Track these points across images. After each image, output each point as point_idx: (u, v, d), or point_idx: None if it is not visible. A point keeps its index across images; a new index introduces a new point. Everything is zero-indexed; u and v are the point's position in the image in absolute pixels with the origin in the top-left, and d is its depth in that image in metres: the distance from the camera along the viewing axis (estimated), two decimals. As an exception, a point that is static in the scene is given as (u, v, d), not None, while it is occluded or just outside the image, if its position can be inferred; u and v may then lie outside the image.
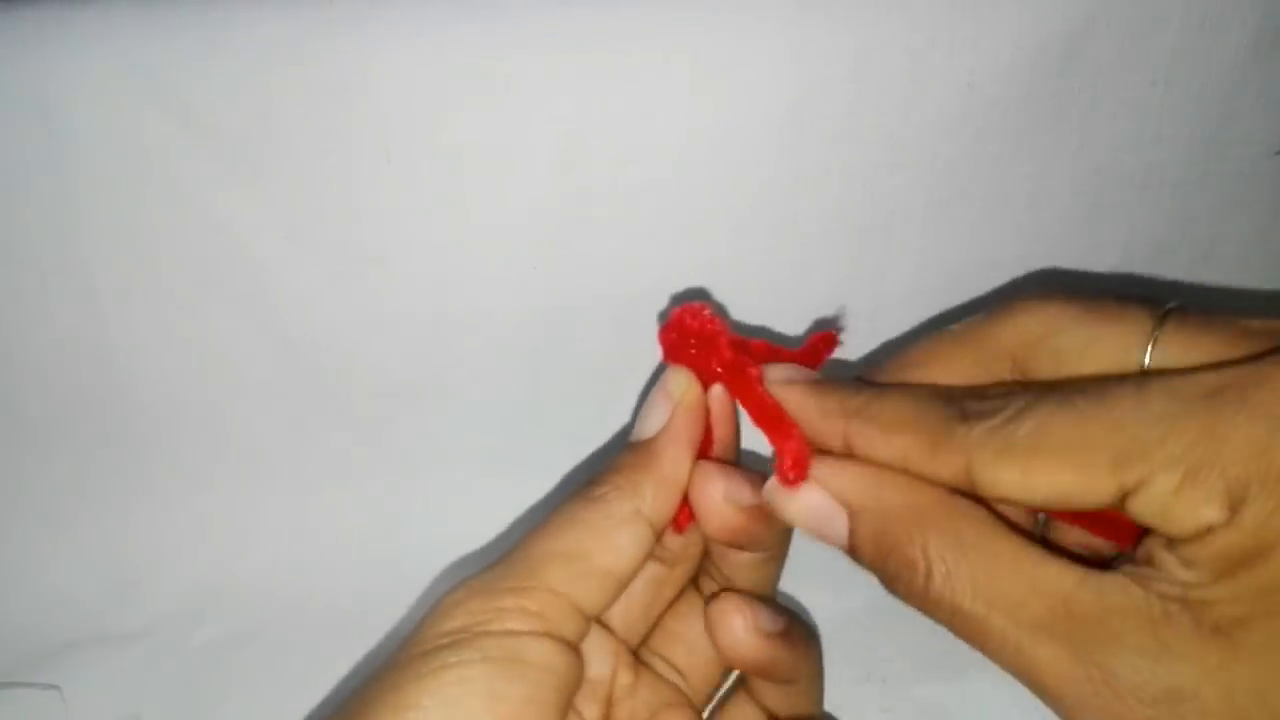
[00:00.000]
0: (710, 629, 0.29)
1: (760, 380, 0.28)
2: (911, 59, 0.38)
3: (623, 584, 0.27)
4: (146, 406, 0.42)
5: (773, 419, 0.27)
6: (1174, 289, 0.46)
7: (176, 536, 0.44)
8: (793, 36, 0.37)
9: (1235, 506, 0.21)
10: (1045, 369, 0.26)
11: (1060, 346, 0.26)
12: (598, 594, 0.26)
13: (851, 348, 0.44)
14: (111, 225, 0.39)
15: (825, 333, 0.30)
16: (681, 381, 0.29)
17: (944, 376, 0.27)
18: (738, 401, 0.29)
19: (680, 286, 0.42)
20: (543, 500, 0.44)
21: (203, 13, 0.36)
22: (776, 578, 0.31)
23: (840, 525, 0.26)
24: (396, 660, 0.24)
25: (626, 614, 0.30)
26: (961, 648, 0.37)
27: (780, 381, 0.28)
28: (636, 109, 0.38)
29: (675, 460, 0.28)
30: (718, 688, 0.32)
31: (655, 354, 0.43)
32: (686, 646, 0.31)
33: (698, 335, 0.29)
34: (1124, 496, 0.22)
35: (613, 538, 0.26)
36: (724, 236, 0.41)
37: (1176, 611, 0.21)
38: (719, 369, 0.29)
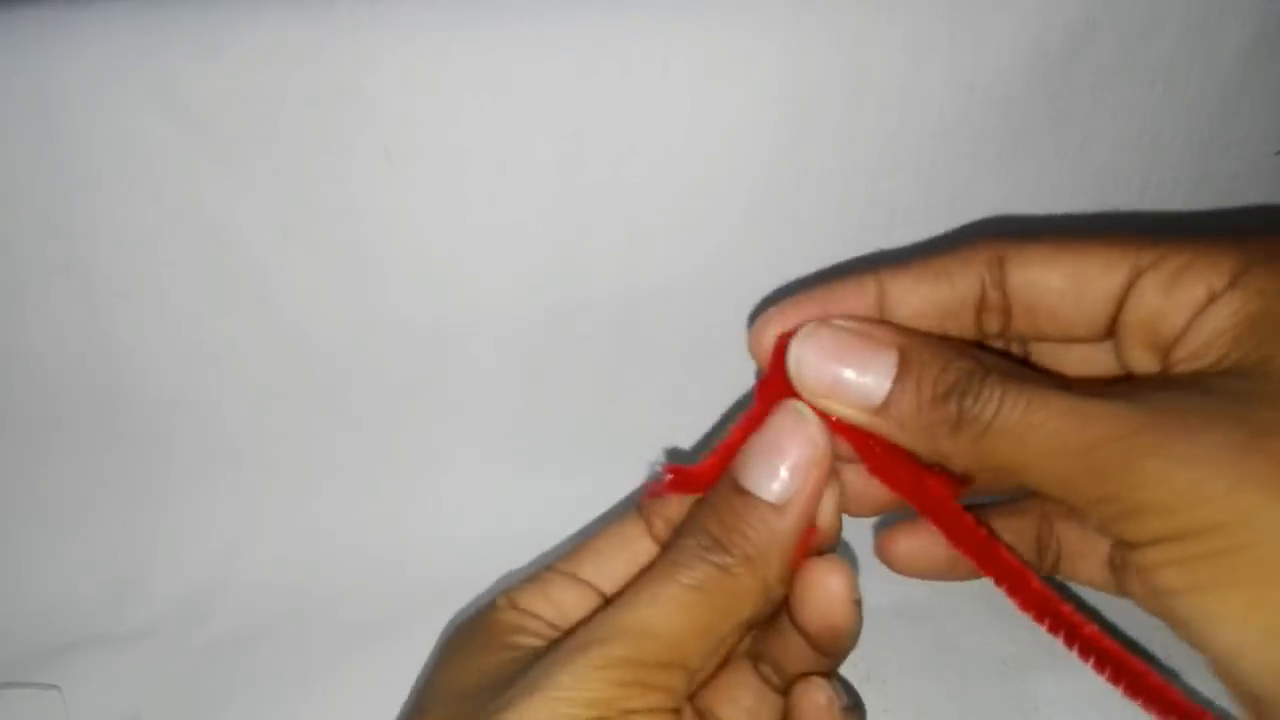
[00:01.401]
0: (803, 588, 0.28)
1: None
2: (911, 59, 0.38)
3: (728, 650, 0.27)
4: (146, 406, 0.42)
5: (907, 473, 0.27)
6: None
7: (176, 536, 0.44)
8: (793, 36, 0.37)
9: (1236, 274, 0.23)
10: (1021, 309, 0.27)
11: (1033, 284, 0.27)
12: (714, 661, 0.26)
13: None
14: (111, 225, 0.39)
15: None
16: (818, 435, 0.27)
17: (910, 308, 0.28)
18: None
19: (680, 286, 0.42)
20: (544, 500, 0.44)
21: (203, 13, 0.36)
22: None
23: (884, 367, 0.25)
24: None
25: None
26: (961, 648, 0.38)
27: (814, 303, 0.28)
28: (636, 109, 0.38)
29: (804, 530, 0.27)
30: None
31: (655, 353, 0.43)
32: (741, 710, 0.31)
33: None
34: (1136, 275, 0.25)
35: (737, 613, 0.26)
36: (723, 236, 0.41)
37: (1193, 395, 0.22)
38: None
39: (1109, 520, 0.23)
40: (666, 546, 0.27)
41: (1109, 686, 0.24)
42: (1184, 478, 0.21)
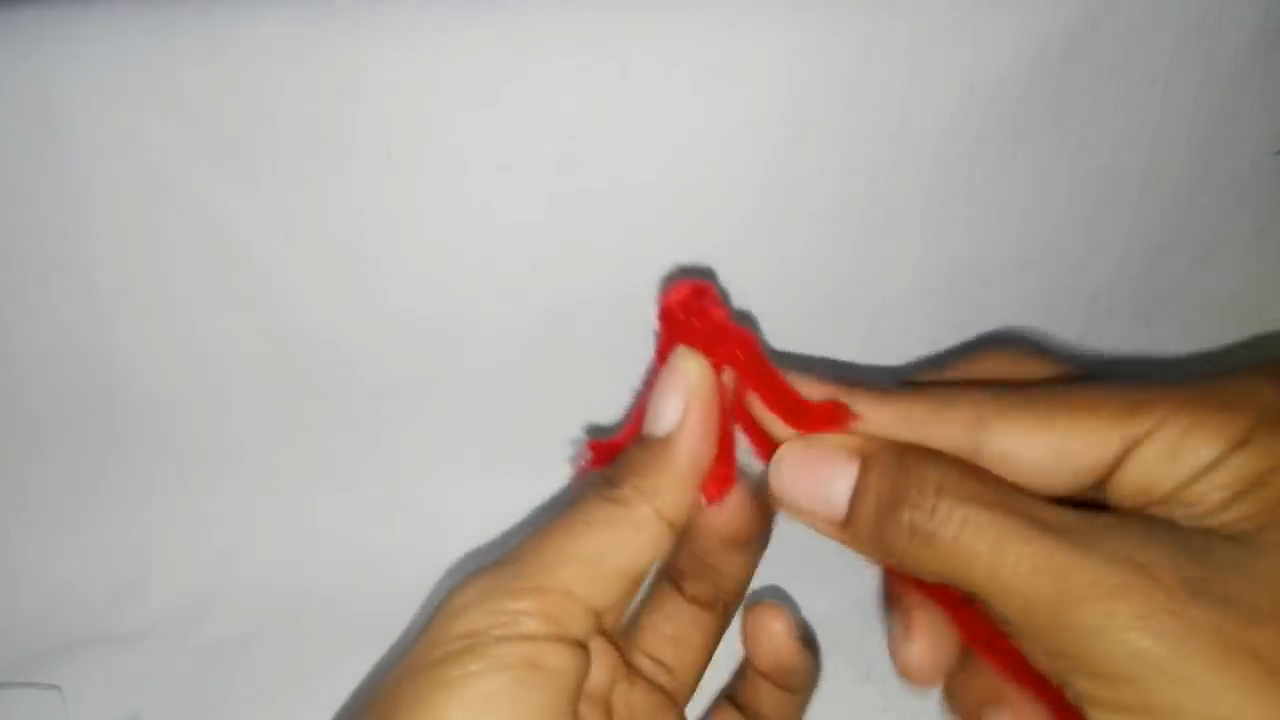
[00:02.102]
0: (752, 636, 0.30)
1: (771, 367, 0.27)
2: (911, 59, 0.38)
3: (637, 585, 0.26)
4: (146, 406, 0.42)
5: (791, 402, 0.27)
6: (1174, 289, 0.46)
7: (176, 536, 0.44)
8: (793, 36, 0.37)
9: (1241, 440, 0.22)
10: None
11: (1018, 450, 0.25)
12: (612, 596, 0.26)
13: (852, 348, 0.44)
14: (111, 225, 0.39)
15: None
16: (694, 368, 0.27)
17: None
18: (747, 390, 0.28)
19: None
20: (543, 500, 0.44)
21: (203, 13, 0.36)
22: (806, 709, 0.33)
23: (845, 479, 0.25)
24: (413, 664, 0.24)
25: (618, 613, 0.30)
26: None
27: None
28: (636, 109, 0.38)
29: (694, 457, 0.27)
30: (695, 686, 0.32)
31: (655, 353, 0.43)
32: (673, 645, 0.31)
33: (703, 317, 0.28)
34: (1131, 446, 0.23)
35: (632, 540, 0.26)
36: (724, 236, 0.41)
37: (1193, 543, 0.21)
38: (731, 353, 0.27)
39: (1072, 672, 0.22)
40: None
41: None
42: (1164, 658, 0.20)
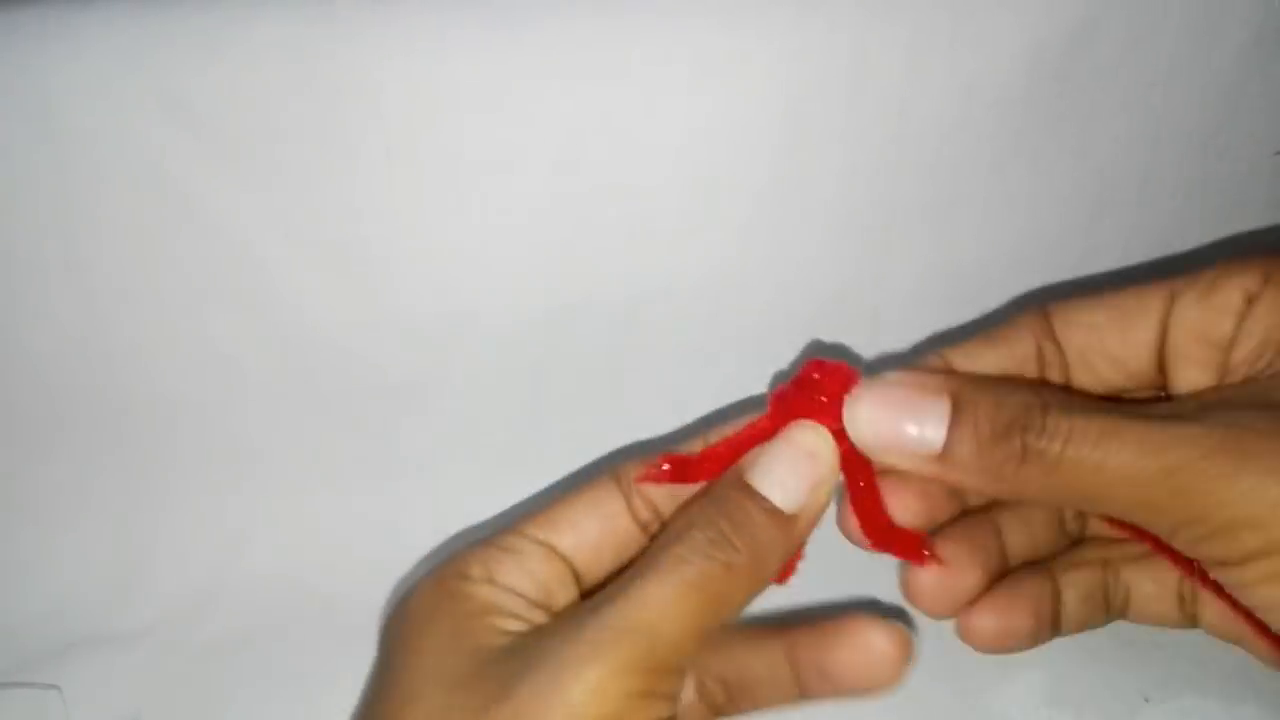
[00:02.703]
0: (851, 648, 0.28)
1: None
2: (911, 59, 0.38)
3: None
4: (146, 406, 0.42)
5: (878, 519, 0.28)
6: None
7: (176, 536, 0.44)
8: (792, 36, 0.37)
9: (1268, 276, 0.25)
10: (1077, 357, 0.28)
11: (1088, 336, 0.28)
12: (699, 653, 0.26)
13: (852, 348, 0.44)
14: (111, 225, 0.39)
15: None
16: (834, 457, 0.27)
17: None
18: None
19: (680, 286, 0.42)
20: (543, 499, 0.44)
21: (203, 13, 0.36)
22: None
23: (938, 415, 0.25)
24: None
25: None
26: (962, 648, 0.37)
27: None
28: (636, 109, 0.38)
29: (803, 542, 0.27)
30: None
31: (655, 354, 0.43)
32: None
33: (831, 393, 0.27)
34: (1172, 298, 0.27)
35: (733, 611, 0.26)
36: (724, 236, 0.41)
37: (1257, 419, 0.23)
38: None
39: (1197, 541, 0.23)
40: (667, 538, 0.26)
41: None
42: (1272, 490, 0.21)
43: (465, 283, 0.41)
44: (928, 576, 0.28)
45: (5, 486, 0.43)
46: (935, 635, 0.39)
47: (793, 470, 0.26)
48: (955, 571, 0.28)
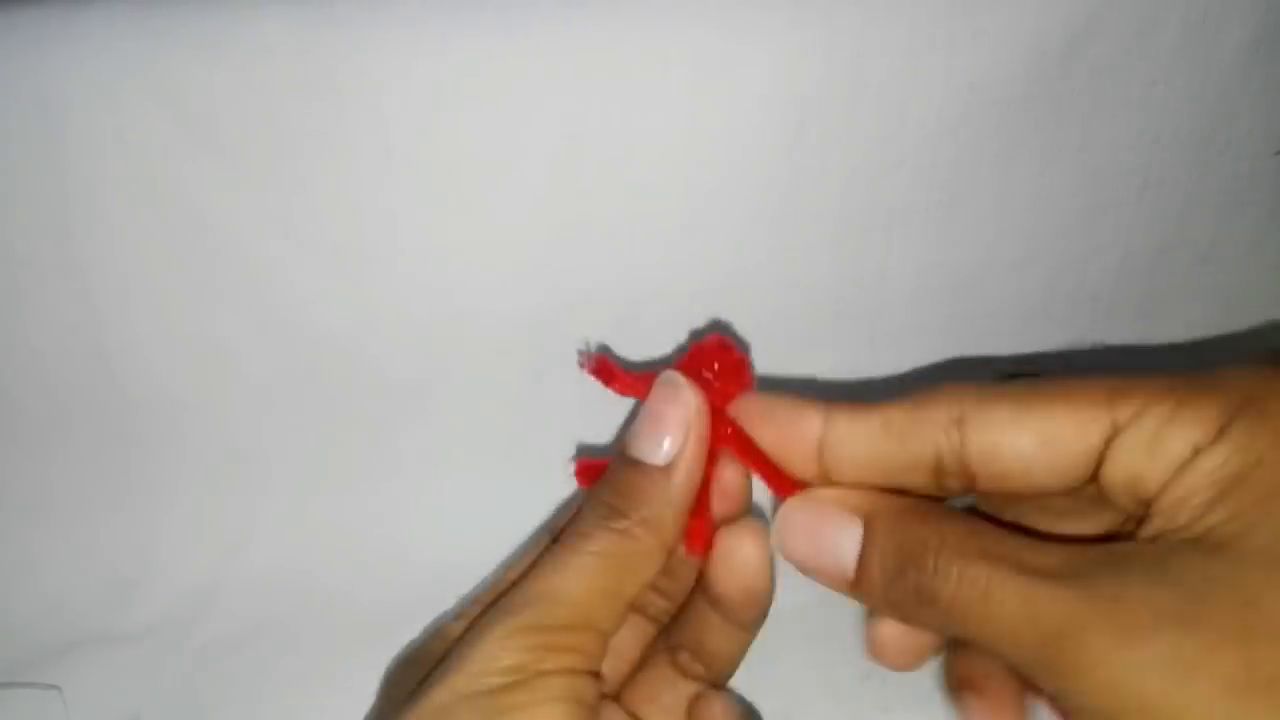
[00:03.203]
0: (723, 552, 0.29)
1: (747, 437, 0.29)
2: (911, 59, 0.38)
3: (631, 608, 0.28)
4: (146, 406, 0.42)
5: (769, 468, 0.29)
6: (1174, 290, 0.46)
7: (176, 536, 0.44)
8: (793, 36, 0.37)
9: (1221, 428, 0.22)
10: (988, 470, 0.26)
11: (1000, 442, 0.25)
12: (621, 621, 0.27)
13: (852, 348, 0.44)
14: (111, 225, 0.39)
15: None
16: (693, 400, 0.28)
17: (852, 461, 0.27)
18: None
19: (680, 286, 0.42)
20: (543, 500, 0.44)
21: (203, 13, 0.36)
22: (744, 651, 0.32)
23: (852, 540, 0.26)
24: (460, 692, 0.25)
25: (615, 668, 0.32)
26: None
27: (749, 405, 0.29)
28: (636, 109, 0.38)
29: (692, 487, 0.28)
30: None
31: (656, 354, 0.43)
32: (660, 709, 0.32)
33: (724, 374, 0.29)
34: (1114, 433, 0.23)
35: (642, 572, 0.27)
36: (724, 236, 0.41)
37: (1178, 552, 0.22)
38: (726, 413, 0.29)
39: (1067, 711, 0.23)
40: (569, 521, 0.28)
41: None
42: (1133, 687, 0.21)
43: (465, 283, 0.41)
44: (887, 632, 0.28)
45: (5, 486, 0.43)
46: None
47: (653, 424, 0.28)
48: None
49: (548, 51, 0.37)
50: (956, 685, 0.29)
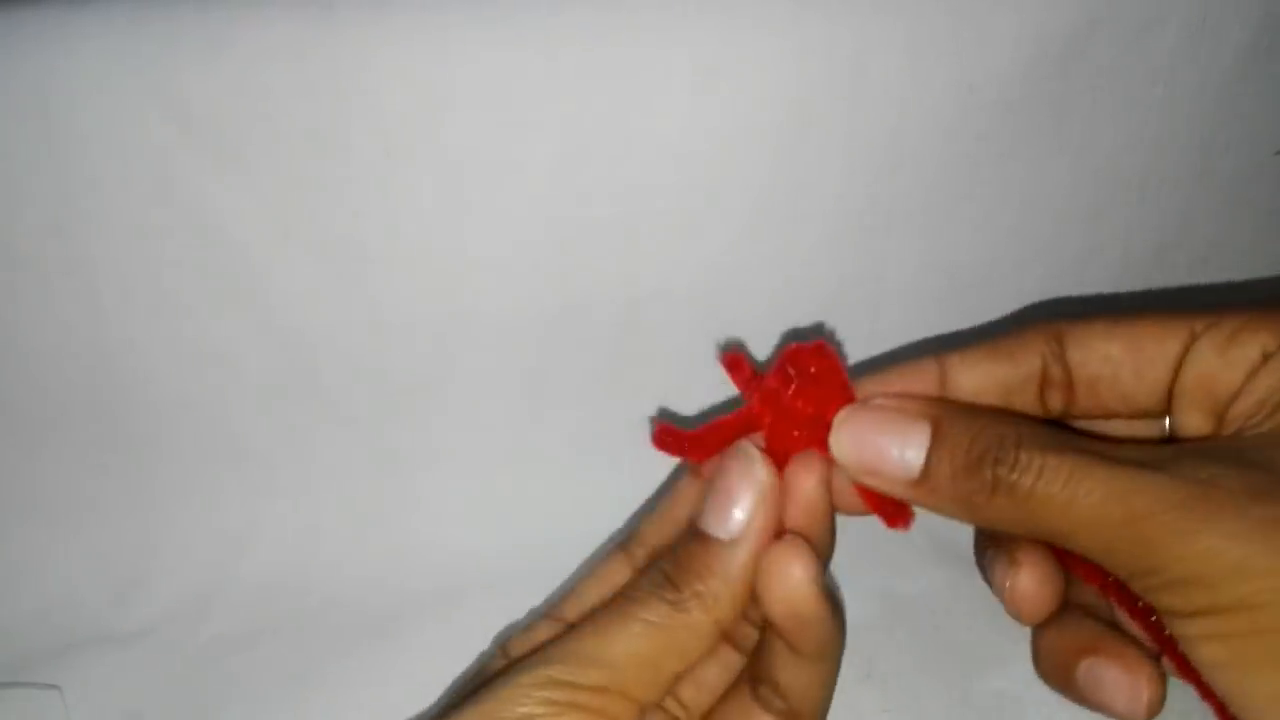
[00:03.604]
0: (763, 573, 0.28)
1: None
2: (911, 59, 0.38)
3: (678, 680, 0.27)
4: (146, 406, 0.42)
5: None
6: (1173, 289, 0.46)
7: (176, 536, 0.44)
8: (793, 36, 0.37)
9: None
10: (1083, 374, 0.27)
11: (1095, 357, 0.27)
12: (661, 694, 0.27)
13: (851, 348, 0.44)
14: (111, 225, 0.39)
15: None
16: (763, 474, 0.27)
17: (972, 386, 0.28)
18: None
19: (680, 286, 0.42)
20: (543, 500, 0.44)
21: (203, 13, 0.36)
22: (829, 692, 0.30)
23: (919, 439, 0.26)
24: None
25: (696, 699, 0.31)
26: (961, 649, 0.38)
27: (869, 384, 0.28)
28: (636, 109, 0.38)
29: (754, 563, 0.27)
30: None
31: (655, 354, 0.43)
32: None
33: (813, 379, 0.28)
34: (1191, 340, 0.25)
35: (688, 647, 0.27)
36: (724, 236, 0.41)
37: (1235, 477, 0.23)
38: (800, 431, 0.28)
39: (1152, 590, 0.23)
40: (627, 586, 0.28)
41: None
42: (1228, 553, 0.22)
43: (465, 283, 0.41)
44: (1024, 580, 0.28)
45: (5, 486, 0.43)
46: (930, 628, 0.39)
47: (724, 496, 0.27)
48: (1046, 575, 0.28)
49: (548, 51, 0.37)
50: (997, 564, 0.28)
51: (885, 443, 0.27)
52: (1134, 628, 0.28)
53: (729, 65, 0.37)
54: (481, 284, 0.41)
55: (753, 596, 0.28)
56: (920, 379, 0.28)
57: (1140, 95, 0.41)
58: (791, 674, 0.29)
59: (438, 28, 0.36)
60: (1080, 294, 0.45)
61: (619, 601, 0.27)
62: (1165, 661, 0.27)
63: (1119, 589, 0.26)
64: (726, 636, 0.28)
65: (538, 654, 0.26)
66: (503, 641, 0.31)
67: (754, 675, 0.30)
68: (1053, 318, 0.28)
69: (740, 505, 0.27)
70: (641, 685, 0.26)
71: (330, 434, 0.44)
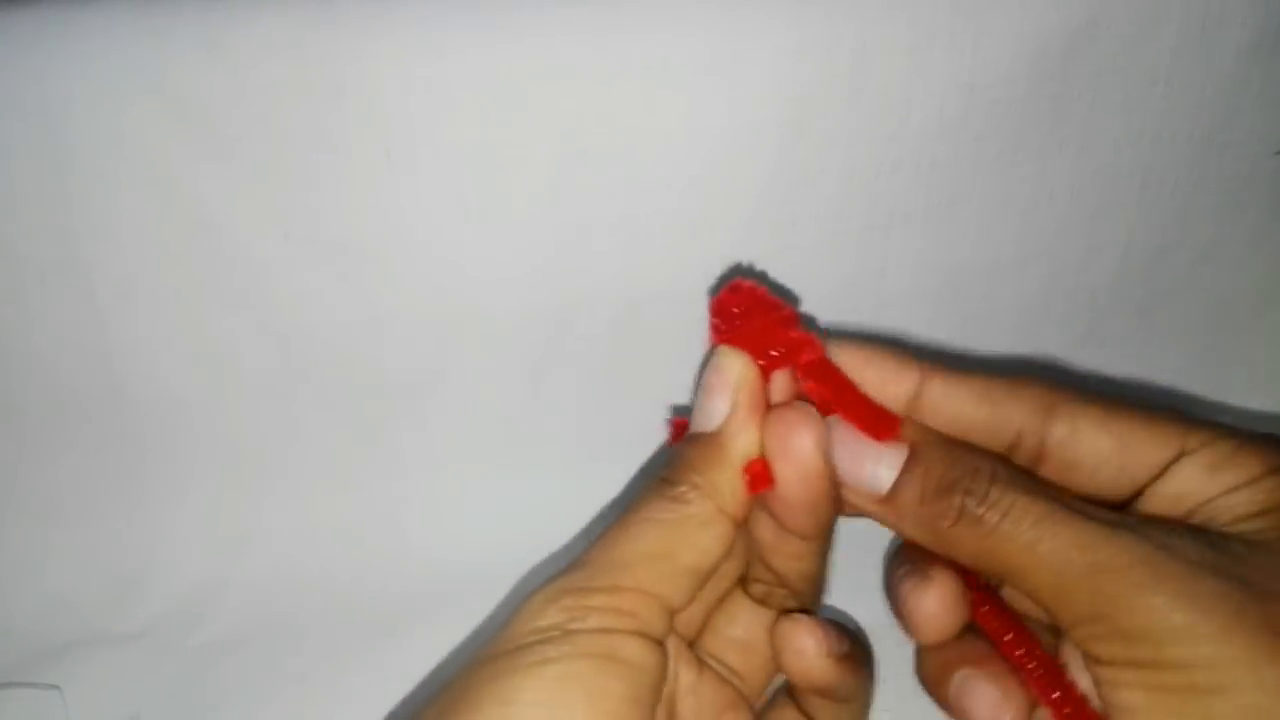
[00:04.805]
0: (779, 649, 0.29)
1: (824, 355, 0.28)
2: (911, 59, 0.38)
3: (705, 580, 0.27)
4: (146, 406, 0.42)
5: (848, 395, 0.28)
6: (1174, 289, 0.46)
7: (176, 536, 0.44)
8: (793, 36, 0.37)
9: (1274, 468, 0.25)
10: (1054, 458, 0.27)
11: (1078, 446, 0.27)
12: (684, 592, 0.26)
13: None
14: (111, 225, 0.39)
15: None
16: (736, 364, 0.28)
17: (944, 412, 0.28)
18: (801, 380, 0.28)
19: (680, 286, 0.42)
20: (544, 500, 0.44)
21: (203, 12, 0.36)
22: (825, 574, 0.30)
23: (893, 460, 0.27)
24: (491, 653, 0.24)
25: (686, 612, 0.30)
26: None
27: (849, 349, 0.28)
28: (636, 109, 0.38)
29: (744, 450, 0.27)
30: (768, 686, 0.32)
31: (656, 354, 0.43)
32: (740, 649, 0.31)
33: (749, 312, 0.29)
34: (1181, 455, 0.26)
35: (697, 537, 0.27)
36: (724, 236, 0.41)
37: (1212, 557, 0.23)
38: (775, 350, 0.28)
39: (1092, 636, 0.24)
40: (628, 501, 0.28)
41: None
42: (1178, 614, 0.22)
43: (466, 282, 0.41)
44: (930, 599, 0.28)
45: (6, 486, 0.43)
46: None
47: (701, 396, 0.28)
48: (952, 597, 0.28)
49: (548, 51, 0.37)
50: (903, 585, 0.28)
51: (861, 456, 0.27)
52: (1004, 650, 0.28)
53: (729, 65, 0.37)
54: (481, 283, 0.41)
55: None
56: (897, 376, 0.28)
57: (1140, 95, 0.41)
58: (791, 558, 0.29)
59: (438, 27, 0.36)
60: (1079, 285, 0.45)
61: (622, 513, 0.27)
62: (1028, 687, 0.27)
63: (1001, 620, 0.27)
64: (739, 525, 0.27)
65: (546, 581, 0.26)
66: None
67: (748, 578, 0.31)
68: (1048, 380, 0.28)
69: (720, 396, 0.28)
70: (658, 579, 0.26)
71: (329, 434, 0.44)
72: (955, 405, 0.28)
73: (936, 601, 0.27)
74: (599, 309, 0.42)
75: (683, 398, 0.44)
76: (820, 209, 0.41)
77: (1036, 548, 0.24)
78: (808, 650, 0.28)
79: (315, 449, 0.44)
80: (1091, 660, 0.24)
